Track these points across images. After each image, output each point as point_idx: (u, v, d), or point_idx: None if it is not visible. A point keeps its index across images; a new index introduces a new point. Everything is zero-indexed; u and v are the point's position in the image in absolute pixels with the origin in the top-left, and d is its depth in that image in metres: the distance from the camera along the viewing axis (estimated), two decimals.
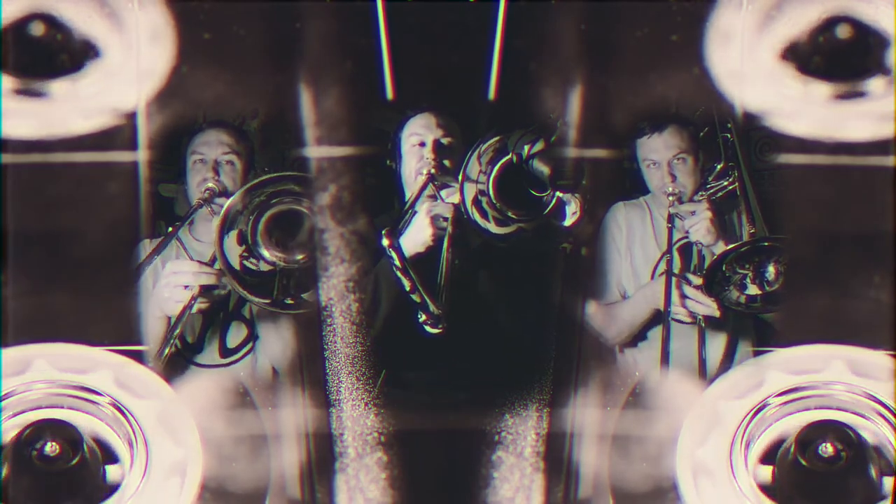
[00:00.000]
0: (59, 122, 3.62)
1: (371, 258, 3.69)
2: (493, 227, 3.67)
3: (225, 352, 3.84)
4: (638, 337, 3.88)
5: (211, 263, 3.77)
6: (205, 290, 3.76)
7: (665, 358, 3.83)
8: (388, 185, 3.85)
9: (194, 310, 3.76)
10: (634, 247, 3.91)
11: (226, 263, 3.72)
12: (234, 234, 3.73)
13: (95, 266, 3.65)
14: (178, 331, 3.75)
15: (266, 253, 3.73)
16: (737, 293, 3.80)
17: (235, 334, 3.85)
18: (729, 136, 3.86)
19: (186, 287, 3.75)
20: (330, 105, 3.71)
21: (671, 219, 3.90)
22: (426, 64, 3.77)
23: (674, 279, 3.84)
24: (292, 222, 3.73)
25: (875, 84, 3.63)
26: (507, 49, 3.72)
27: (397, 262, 3.64)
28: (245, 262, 3.73)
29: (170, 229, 3.88)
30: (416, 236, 3.70)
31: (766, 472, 3.49)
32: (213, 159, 3.89)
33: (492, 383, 3.67)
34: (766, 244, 3.79)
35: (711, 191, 3.90)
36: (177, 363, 3.79)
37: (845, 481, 3.41)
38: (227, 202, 3.73)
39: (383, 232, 3.65)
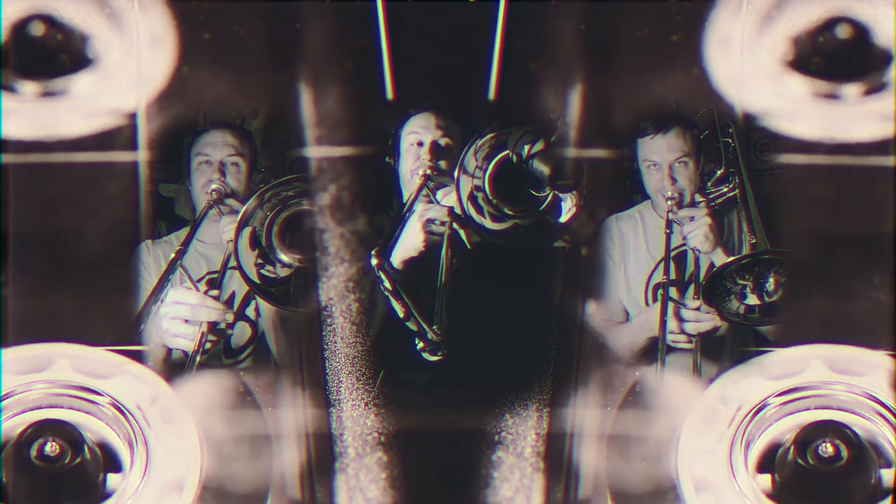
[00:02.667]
0: (59, 123, 3.63)
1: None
2: (488, 223, 3.66)
3: (230, 352, 3.85)
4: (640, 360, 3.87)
5: (216, 294, 3.74)
6: (212, 327, 3.72)
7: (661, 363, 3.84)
8: (387, 185, 3.85)
9: (207, 346, 3.71)
10: (627, 257, 3.90)
11: (246, 278, 3.72)
12: (246, 234, 3.72)
13: (95, 266, 3.65)
14: (197, 360, 3.74)
15: (283, 256, 3.74)
16: (736, 303, 3.79)
17: (240, 335, 3.86)
18: (730, 140, 3.85)
19: (187, 322, 3.71)
20: (330, 105, 3.71)
21: (669, 224, 3.88)
22: (426, 64, 3.77)
23: (670, 305, 3.82)
24: (303, 222, 3.73)
25: (875, 84, 3.63)
26: (507, 49, 3.72)
27: (387, 285, 3.52)
28: (262, 272, 3.73)
29: (177, 233, 3.89)
30: (409, 241, 3.69)
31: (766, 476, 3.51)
32: (218, 161, 3.89)
33: (492, 383, 3.67)
34: (766, 256, 3.78)
35: (711, 196, 3.89)
36: (182, 364, 3.79)
37: (845, 481, 3.41)
38: (243, 209, 3.74)
39: (373, 252, 3.54)
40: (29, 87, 3.63)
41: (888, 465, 3.46)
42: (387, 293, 3.53)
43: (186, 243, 3.82)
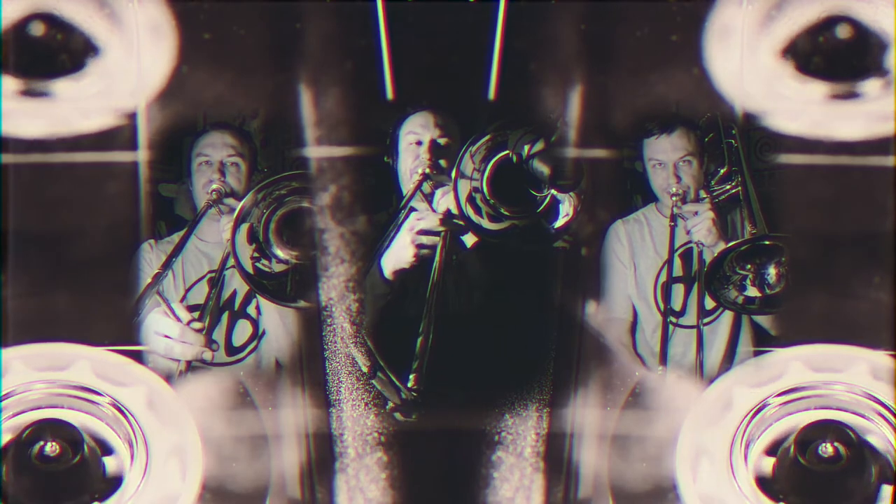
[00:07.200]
0: (59, 122, 3.63)
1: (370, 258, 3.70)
2: (486, 224, 3.67)
3: (231, 350, 3.85)
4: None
5: (199, 327, 3.73)
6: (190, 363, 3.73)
7: (663, 360, 3.84)
8: (387, 185, 3.85)
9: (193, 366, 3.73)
10: (637, 258, 3.93)
11: (241, 269, 3.73)
12: (244, 229, 3.73)
13: (95, 266, 3.65)
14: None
15: (279, 252, 3.74)
16: (735, 293, 3.81)
17: (241, 333, 3.86)
18: (733, 141, 3.87)
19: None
20: (330, 105, 3.71)
21: (674, 218, 3.91)
22: (426, 64, 3.77)
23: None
24: (301, 219, 3.74)
25: (874, 84, 3.63)
26: (507, 49, 3.72)
27: (350, 332, 3.51)
28: (258, 265, 3.74)
29: (178, 233, 3.89)
30: (399, 254, 3.69)
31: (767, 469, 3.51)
32: (218, 161, 3.90)
33: (492, 383, 3.67)
34: (766, 243, 3.80)
35: (714, 193, 3.92)
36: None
37: (845, 481, 3.41)
38: (240, 204, 3.74)
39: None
40: (30, 88, 3.63)
41: (888, 465, 3.46)
42: (351, 344, 3.51)
43: (175, 253, 3.82)
